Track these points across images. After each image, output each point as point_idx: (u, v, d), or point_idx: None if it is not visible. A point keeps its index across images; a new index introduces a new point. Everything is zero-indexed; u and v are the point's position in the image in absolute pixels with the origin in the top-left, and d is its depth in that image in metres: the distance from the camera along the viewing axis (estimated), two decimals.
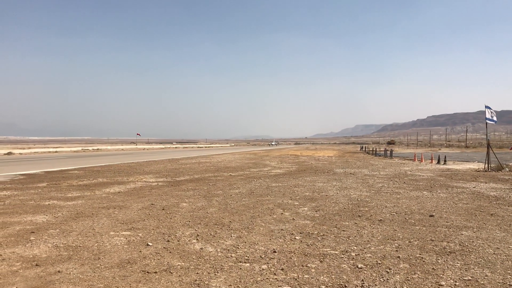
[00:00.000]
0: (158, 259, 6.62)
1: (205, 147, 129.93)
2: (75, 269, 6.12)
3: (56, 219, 9.86)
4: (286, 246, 7.44)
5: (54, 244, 7.52)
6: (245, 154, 60.45)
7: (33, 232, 8.43)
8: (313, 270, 6.10)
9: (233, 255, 6.86)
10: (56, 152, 65.80)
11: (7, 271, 5.99)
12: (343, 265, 6.31)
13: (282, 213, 10.64)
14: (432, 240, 7.86)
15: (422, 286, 5.45)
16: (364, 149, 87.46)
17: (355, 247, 7.33)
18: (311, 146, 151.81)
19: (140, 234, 8.31)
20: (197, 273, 5.97)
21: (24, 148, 72.22)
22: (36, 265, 6.29)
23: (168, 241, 7.80)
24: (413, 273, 5.95)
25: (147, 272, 5.98)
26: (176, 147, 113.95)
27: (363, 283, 5.55)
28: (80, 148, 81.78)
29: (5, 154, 55.09)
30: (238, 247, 7.32)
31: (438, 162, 34.17)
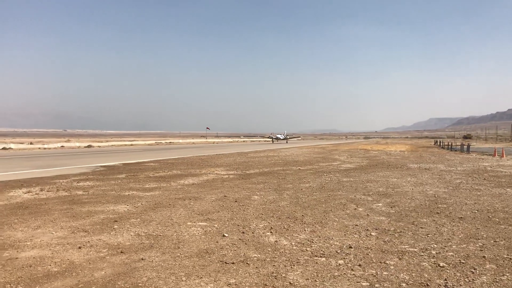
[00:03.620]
0: (235, 250, 6.75)
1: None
2: (157, 257, 6.39)
3: (136, 209, 10.35)
4: (362, 242, 7.30)
5: (136, 232, 7.90)
6: (312, 148, 60.07)
7: (116, 221, 8.90)
8: (392, 267, 5.94)
9: (308, 249, 6.84)
10: (132, 145, 69.05)
11: (95, 257, 6.37)
12: (424, 263, 6.09)
13: (355, 209, 10.46)
14: None
15: None
16: (438, 143, 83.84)
17: (435, 245, 7.04)
18: (381, 140, 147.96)
19: (216, 225, 8.52)
20: (274, 265, 6.01)
21: (102, 141, 76.42)
22: (121, 252, 6.64)
23: (243, 232, 7.93)
24: (502, 274, 5.62)
25: (225, 263, 6.11)
26: (244, 141, 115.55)
27: (447, 282, 5.33)
28: (153, 141, 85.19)
29: (85, 147, 58.61)
30: (312, 241, 7.29)
31: None
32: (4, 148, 47.34)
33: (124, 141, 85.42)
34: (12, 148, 48.72)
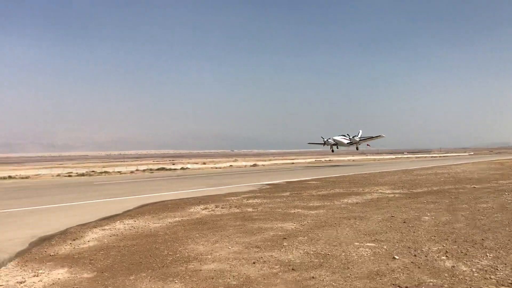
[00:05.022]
0: (407, 274, 6.43)
1: (440, 156, 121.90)
2: (327, 276, 6.43)
3: (303, 226, 10.59)
4: None
5: (305, 250, 8.07)
6: (488, 163, 54.36)
7: (285, 238, 9.22)
8: None
9: (492, 276, 6.19)
10: (293, 163, 71.09)
11: (269, 273, 6.68)
12: None
13: None
14: None
15: None
16: None
17: None
18: None
19: (385, 247, 8.24)
20: None
21: (265, 160, 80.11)
22: (292, 269, 6.85)
23: (415, 255, 7.53)
24: None
25: (398, 286, 5.87)
26: (407, 157, 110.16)
27: None
28: (313, 159, 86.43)
29: (251, 165, 62.18)
30: (497, 269, 6.57)
31: None
32: (182, 168, 52.92)
33: (285, 159, 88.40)
34: (189, 168, 54.26)
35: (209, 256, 7.82)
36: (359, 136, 66.24)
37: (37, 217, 13.34)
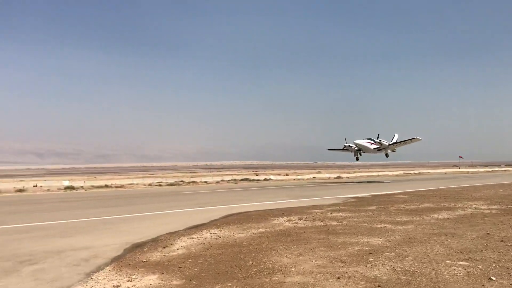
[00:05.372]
0: None
1: None
2: None
3: (390, 242, 10.23)
4: None
5: (392, 267, 7.80)
6: None
7: (370, 254, 8.98)
8: None
9: None
10: (378, 176, 69.01)
11: None
12: None
13: None
14: None
15: None
16: None
17: None
18: None
19: (480, 266, 7.73)
20: None
21: (350, 172, 78.62)
22: (379, 286, 6.64)
23: None
24: None
25: None
26: (505, 170, 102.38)
27: None
28: (401, 172, 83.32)
29: (335, 178, 61.35)
30: None
31: None
32: (265, 179, 53.58)
33: (371, 172, 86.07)
34: (272, 179, 54.76)
35: (293, 269, 7.82)
36: (393, 140, 53.81)
37: (130, 225, 14.20)
